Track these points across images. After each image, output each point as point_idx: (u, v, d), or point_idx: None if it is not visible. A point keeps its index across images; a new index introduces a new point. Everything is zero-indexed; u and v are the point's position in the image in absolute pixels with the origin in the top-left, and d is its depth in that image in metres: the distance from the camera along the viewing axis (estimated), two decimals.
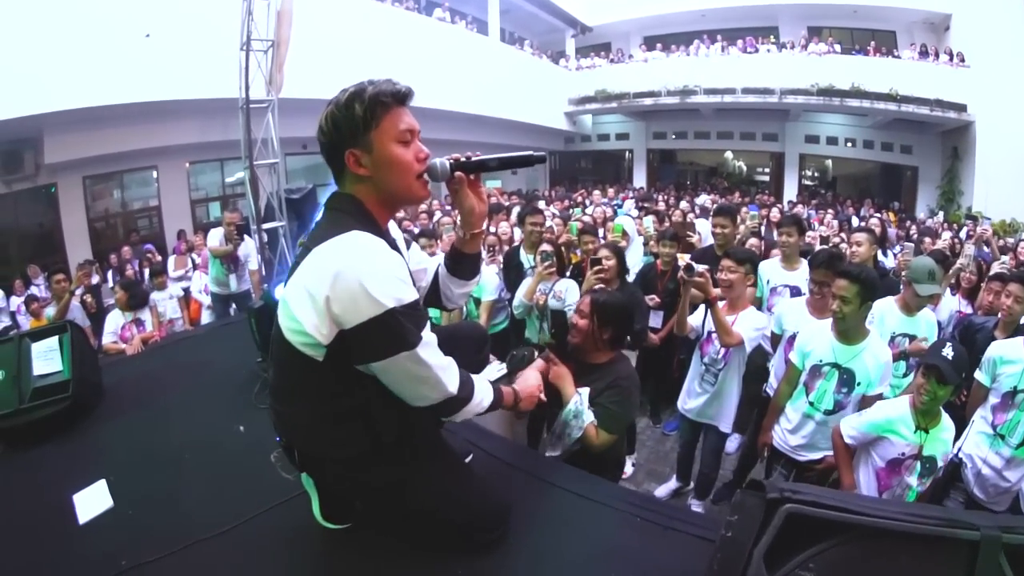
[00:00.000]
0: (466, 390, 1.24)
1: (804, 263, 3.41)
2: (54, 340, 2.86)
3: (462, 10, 14.18)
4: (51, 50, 6.99)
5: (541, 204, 8.81)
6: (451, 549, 1.43)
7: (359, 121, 1.10)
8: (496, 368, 1.68)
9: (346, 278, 1.02)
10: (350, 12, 10.35)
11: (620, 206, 8.81)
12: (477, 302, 3.93)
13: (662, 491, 3.39)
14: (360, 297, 1.02)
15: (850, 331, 2.40)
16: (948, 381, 1.98)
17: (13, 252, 8.80)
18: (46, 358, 2.82)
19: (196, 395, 2.94)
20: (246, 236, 5.24)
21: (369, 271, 1.03)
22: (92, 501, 1.97)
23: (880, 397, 2.37)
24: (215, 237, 5.12)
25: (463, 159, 1.26)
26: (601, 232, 5.11)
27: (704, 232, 4.25)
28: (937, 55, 12.93)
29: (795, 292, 3.33)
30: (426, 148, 1.20)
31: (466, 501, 1.39)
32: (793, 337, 2.79)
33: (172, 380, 3.16)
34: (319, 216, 1.19)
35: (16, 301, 6.77)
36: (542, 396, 1.60)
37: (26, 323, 6.57)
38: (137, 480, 2.08)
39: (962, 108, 12.33)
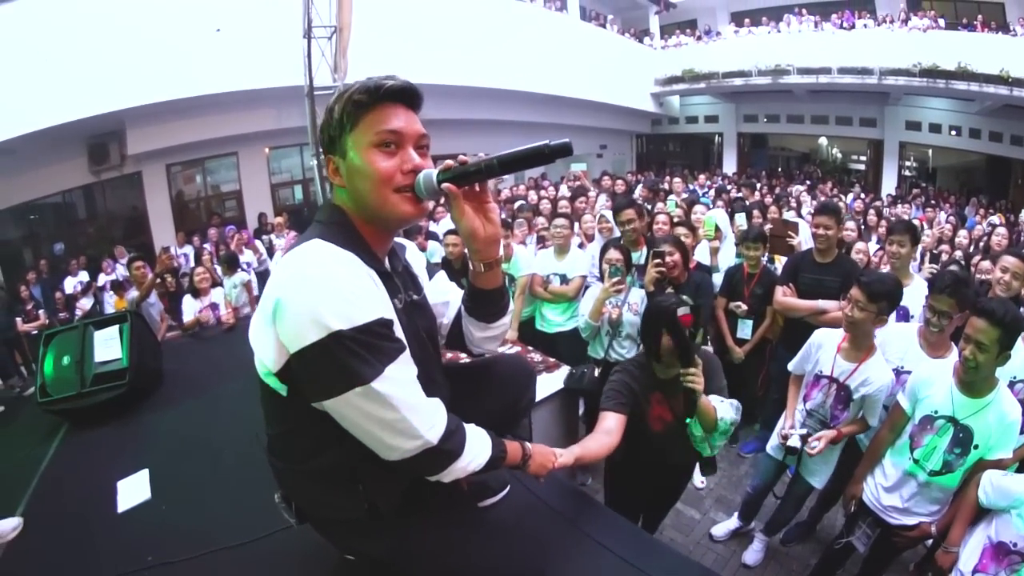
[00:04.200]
0: (454, 440, 0.97)
1: (917, 279, 2.93)
2: (115, 329, 3.00)
3: None
4: (127, 49, 7.38)
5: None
6: None
7: (336, 124, 0.95)
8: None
9: (290, 292, 0.86)
10: None
11: (705, 195, 8.05)
12: (512, 279, 3.69)
13: (720, 531, 3.00)
14: (301, 315, 0.84)
15: (977, 383, 1.93)
16: None
17: (103, 235, 9.57)
18: (107, 345, 2.97)
19: (250, 387, 2.92)
20: None
21: (316, 285, 0.85)
22: (133, 490, 2.04)
23: (1000, 463, 1.90)
24: None
25: (454, 165, 0.96)
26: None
27: (804, 234, 3.74)
28: None
29: (903, 315, 2.81)
30: (418, 159, 0.95)
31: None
32: (897, 372, 2.32)
33: (230, 369, 3.21)
34: None
35: (103, 279, 7.28)
36: (555, 464, 1.30)
37: (111, 302, 7.09)
38: (176, 473, 2.12)
39: None
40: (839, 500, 2.60)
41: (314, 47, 5.08)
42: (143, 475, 2.08)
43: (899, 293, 2.30)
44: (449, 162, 0.96)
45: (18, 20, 7.14)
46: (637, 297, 3.02)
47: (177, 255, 7.42)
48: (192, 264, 6.53)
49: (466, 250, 1.13)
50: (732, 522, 2.99)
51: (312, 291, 0.84)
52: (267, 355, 0.91)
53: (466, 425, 1.02)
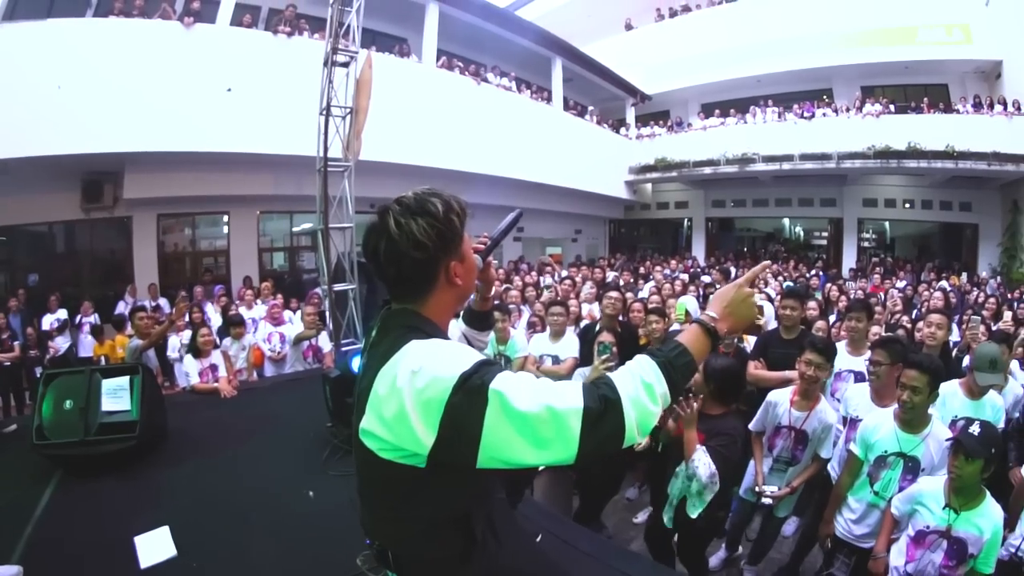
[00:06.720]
0: (597, 392, 0.96)
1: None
2: (124, 380, 2.99)
3: (527, 79, 14.34)
4: (139, 94, 7.46)
5: (611, 275, 8.94)
6: None
7: (458, 232, 1.11)
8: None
9: (420, 376, 0.97)
10: (418, 79, 10.57)
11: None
12: (508, 360, 3.98)
13: (714, 561, 3.30)
14: (436, 381, 0.96)
15: (915, 420, 2.38)
16: (974, 456, 1.97)
17: (85, 275, 9.37)
18: (115, 396, 2.94)
19: (263, 450, 3.03)
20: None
21: (434, 359, 0.99)
22: (154, 546, 2.03)
23: None
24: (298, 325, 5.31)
25: (483, 248, 1.33)
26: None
27: (769, 313, 4.14)
28: (992, 105, 12.45)
29: (859, 378, 3.23)
30: None
31: None
32: (855, 422, 2.75)
33: (239, 431, 3.25)
34: (380, 335, 1.13)
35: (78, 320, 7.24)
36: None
37: (88, 343, 6.98)
38: (202, 533, 2.12)
39: (1020, 159, 11.76)
40: (816, 543, 2.90)
41: (329, 124, 5.28)
42: (164, 532, 2.08)
43: (835, 349, 3.02)
44: (478, 245, 1.31)
45: (37, 41, 7.15)
46: None
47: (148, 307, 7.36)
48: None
49: (475, 293, 1.42)
50: (721, 552, 3.34)
51: (434, 362, 0.98)
52: (409, 441, 0.98)
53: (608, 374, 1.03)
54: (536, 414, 0.92)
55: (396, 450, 1.01)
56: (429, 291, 1.12)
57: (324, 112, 5.14)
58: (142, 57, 7.61)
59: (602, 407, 0.94)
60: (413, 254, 1.06)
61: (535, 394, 0.94)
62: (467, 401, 0.94)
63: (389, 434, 1.00)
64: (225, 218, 10.43)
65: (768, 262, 1.60)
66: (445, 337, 1.12)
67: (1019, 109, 12.07)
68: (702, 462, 2.28)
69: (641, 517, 3.71)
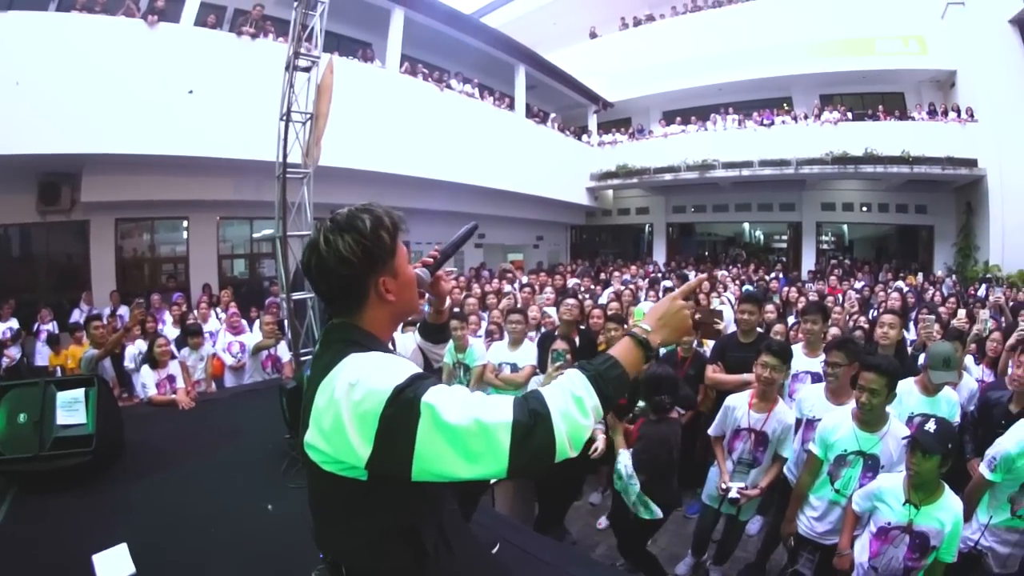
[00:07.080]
0: (527, 406, 0.96)
1: None
2: (80, 392, 2.90)
3: (491, 85, 14.36)
4: (99, 93, 7.21)
5: (572, 282, 9.07)
6: None
7: (388, 248, 1.12)
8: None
9: (357, 390, 0.99)
10: (379, 85, 10.43)
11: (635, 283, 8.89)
12: (467, 369, 4.01)
13: (682, 568, 3.33)
14: (371, 394, 0.97)
15: (874, 420, 2.44)
16: (931, 452, 2.03)
17: (41, 281, 8.99)
18: (71, 409, 2.86)
19: (222, 464, 2.99)
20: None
21: (370, 372, 1.01)
22: (113, 564, 1.99)
23: None
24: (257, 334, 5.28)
25: (432, 261, 1.34)
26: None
27: (728, 317, 4.27)
28: (946, 113, 13.03)
29: (816, 379, 3.33)
30: None
31: None
32: (811, 422, 2.82)
33: (197, 444, 3.19)
34: (322, 348, 1.15)
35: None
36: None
37: (44, 352, 6.74)
38: (161, 549, 2.08)
39: (972, 163, 12.40)
40: (781, 542, 2.97)
41: (289, 130, 5.18)
42: (122, 549, 2.03)
43: (791, 351, 3.09)
44: (427, 259, 1.33)
45: None
46: None
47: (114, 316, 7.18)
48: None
49: (428, 305, 1.48)
50: (688, 559, 3.34)
51: (369, 376, 0.99)
52: (346, 453, 0.99)
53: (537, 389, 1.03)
54: (466, 427, 0.93)
55: (336, 463, 1.02)
56: (361, 307, 1.14)
57: (284, 117, 5.05)
58: (104, 55, 7.34)
59: (531, 421, 0.94)
60: (340, 271, 1.09)
61: (465, 408, 0.95)
62: (400, 414, 0.95)
63: (328, 446, 1.02)
64: (185, 223, 10.14)
65: (703, 276, 1.68)
66: (385, 350, 1.14)
67: (972, 116, 12.68)
68: (623, 463, 2.57)
69: (605, 522, 3.71)
